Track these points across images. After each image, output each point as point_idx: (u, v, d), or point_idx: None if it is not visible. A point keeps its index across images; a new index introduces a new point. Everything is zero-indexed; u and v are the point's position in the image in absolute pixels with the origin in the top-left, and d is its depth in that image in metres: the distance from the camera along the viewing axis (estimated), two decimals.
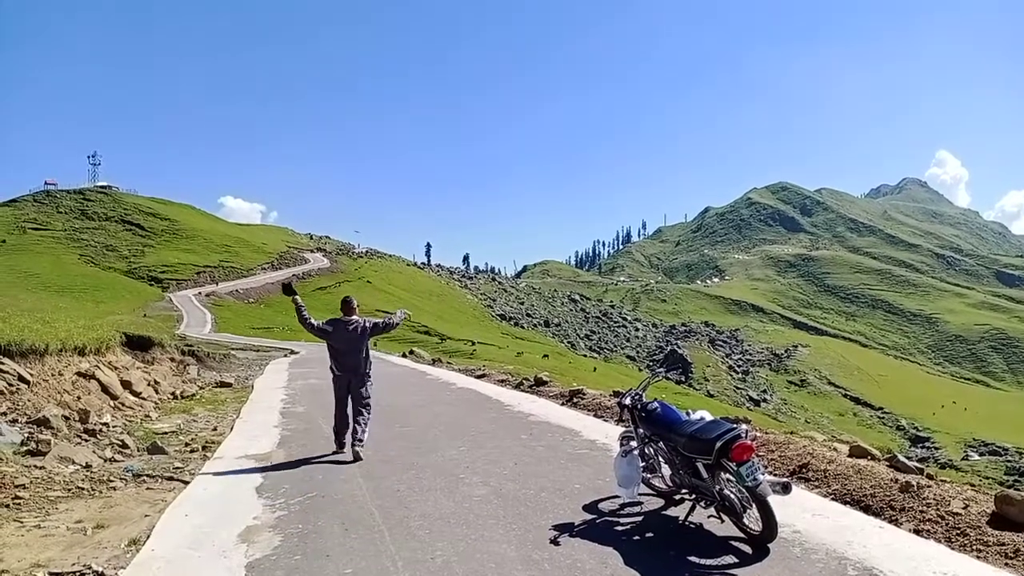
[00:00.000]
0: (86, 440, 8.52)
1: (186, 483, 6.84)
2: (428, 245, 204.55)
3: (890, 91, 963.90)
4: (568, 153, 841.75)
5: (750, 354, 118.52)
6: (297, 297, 8.11)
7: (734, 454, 4.51)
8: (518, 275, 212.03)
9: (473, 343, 62.18)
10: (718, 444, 4.62)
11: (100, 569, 4.50)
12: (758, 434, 8.19)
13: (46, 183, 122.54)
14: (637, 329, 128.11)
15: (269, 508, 5.82)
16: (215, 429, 10.47)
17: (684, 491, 5.27)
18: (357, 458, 7.70)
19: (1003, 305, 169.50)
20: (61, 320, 14.20)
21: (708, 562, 4.39)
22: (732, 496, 4.69)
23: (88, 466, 7.32)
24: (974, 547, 4.52)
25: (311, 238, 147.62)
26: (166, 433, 10.03)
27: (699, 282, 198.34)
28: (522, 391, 14.49)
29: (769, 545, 4.52)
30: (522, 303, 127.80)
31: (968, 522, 4.86)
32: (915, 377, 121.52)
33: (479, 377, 18.52)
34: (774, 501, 4.50)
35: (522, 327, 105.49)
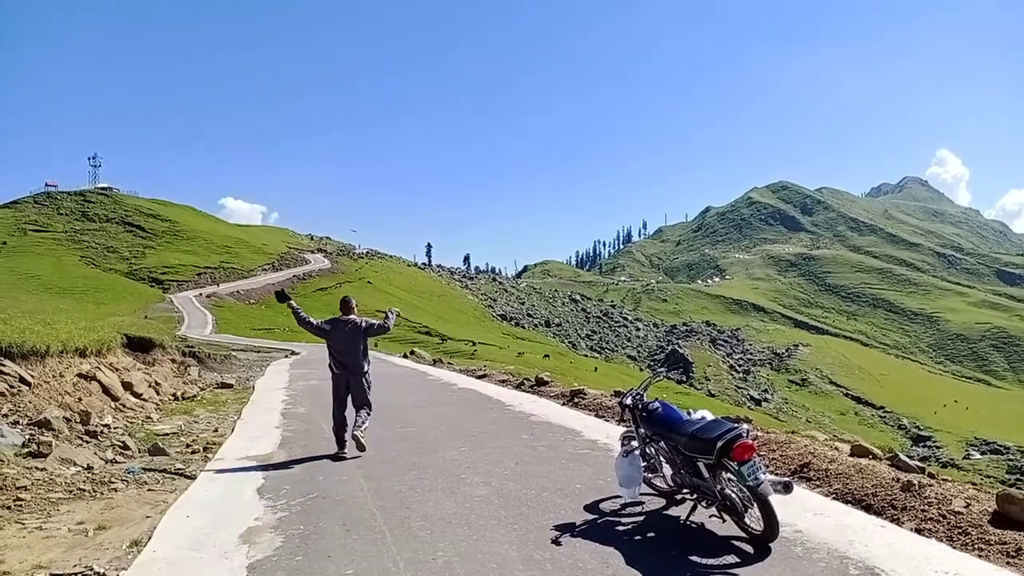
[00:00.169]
0: (87, 442, 8.52)
1: (188, 483, 6.84)
2: (429, 245, 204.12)
3: (890, 90, 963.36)
4: (568, 153, 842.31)
5: (751, 353, 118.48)
6: (291, 301, 8.26)
7: (735, 454, 4.51)
8: (519, 275, 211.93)
9: (474, 343, 62.18)
10: (719, 444, 4.61)
11: (102, 570, 4.50)
12: (759, 433, 8.19)
13: (47, 185, 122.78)
14: (638, 329, 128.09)
15: (270, 509, 5.82)
16: (216, 430, 10.48)
17: (685, 491, 5.27)
18: (359, 445, 7.85)
19: (1004, 304, 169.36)
20: (62, 322, 14.20)
21: (710, 562, 4.39)
22: (733, 496, 4.69)
23: (89, 468, 7.32)
24: (976, 546, 4.52)
25: (312, 239, 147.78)
26: (167, 434, 10.03)
27: (700, 282, 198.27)
28: (523, 391, 14.49)
29: (771, 544, 4.51)
30: (523, 303, 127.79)
31: (970, 521, 4.86)
32: (916, 376, 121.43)
33: (480, 377, 18.52)
34: (775, 500, 4.50)
35: (523, 327, 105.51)
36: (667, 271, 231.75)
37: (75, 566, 4.58)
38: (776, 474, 6.52)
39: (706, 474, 4.84)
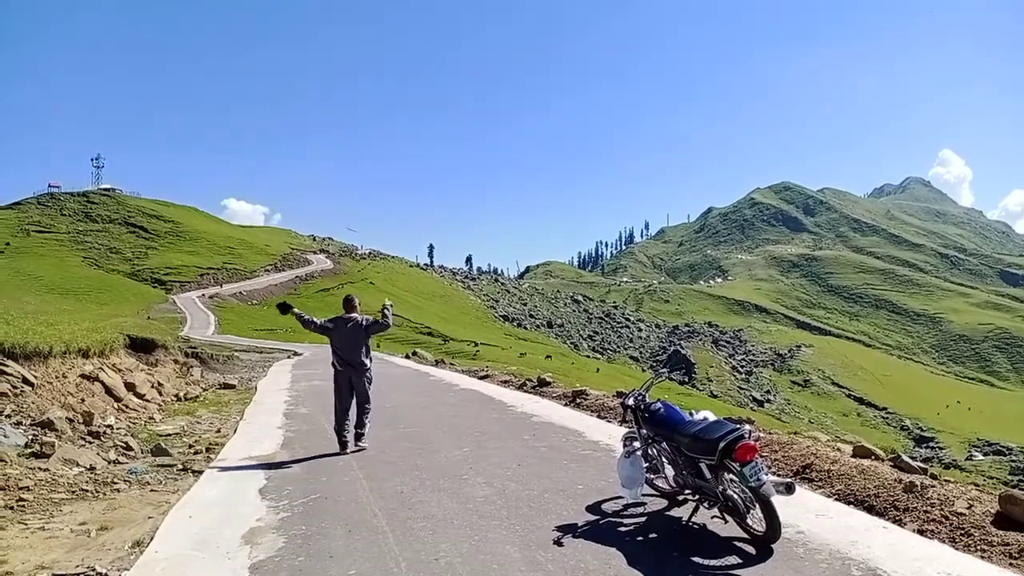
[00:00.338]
0: (90, 442, 8.54)
1: (191, 484, 6.85)
2: (431, 246, 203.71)
3: (893, 90, 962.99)
4: (570, 153, 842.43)
5: (753, 354, 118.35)
6: (294, 309, 8.53)
7: (737, 454, 4.50)
8: (521, 276, 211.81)
9: (476, 344, 62.20)
10: (721, 444, 4.61)
11: (104, 571, 4.51)
12: (761, 434, 8.18)
13: (50, 186, 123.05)
14: (640, 330, 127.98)
15: (273, 510, 5.83)
16: (219, 431, 10.50)
17: (687, 492, 5.26)
18: (358, 447, 8.17)
19: (1007, 304, 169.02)
20: (65, 322, 14.23)
21: (712, 563, 4.38)
22: (735, 496, 4.68)
23: (92, 468, 7.34)
24: (978, 547, 4.51)
25: (314, 240, 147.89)
26: (170, 435, 10.05)
27: (702, 282, 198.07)
28: (525, 392, 14.49)
29: (773, 545, 4.51)
30: (525, 304, 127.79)
31: (972, 522, 4.84)
32: (919, 377, 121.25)
33: (482, 378, 18.52)
34: (777, 501, 4.49)
35: (525, 328, 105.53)
36: (669, 272, 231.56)
37: (77, 566, 4.59)
38: (778, 475, 6.51)
39: (708, 475, 4.84)
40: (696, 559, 4.44)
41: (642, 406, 5.70)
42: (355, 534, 5.10)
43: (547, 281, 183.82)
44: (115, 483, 6.89)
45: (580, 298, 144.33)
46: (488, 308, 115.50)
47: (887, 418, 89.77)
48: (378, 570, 4.40)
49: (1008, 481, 45.69)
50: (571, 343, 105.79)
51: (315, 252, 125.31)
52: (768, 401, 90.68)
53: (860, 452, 7.17)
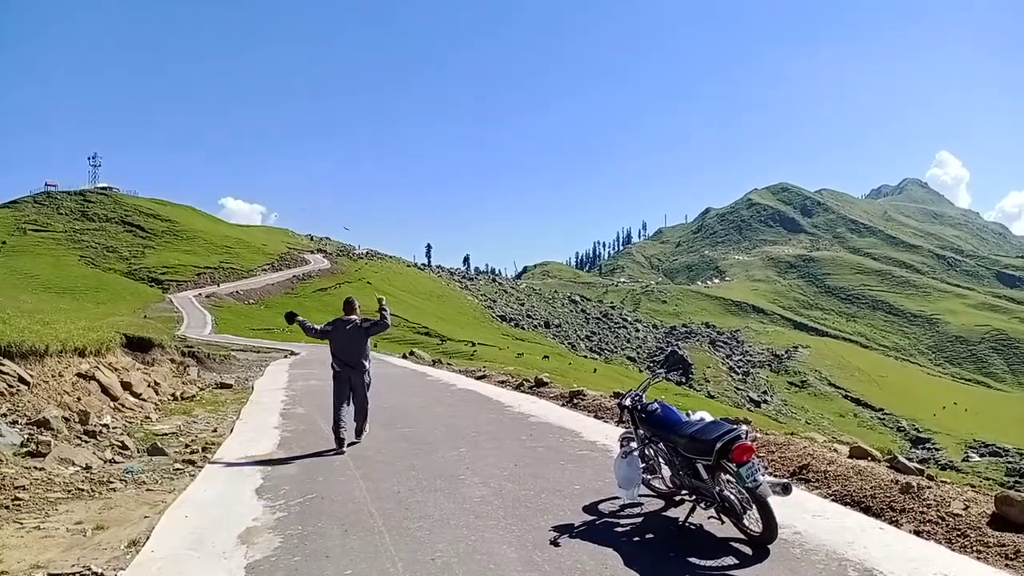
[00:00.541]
0: (86, 441, 8.52)
1: (187, 483, 6.84)
2: (428, 246, 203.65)
3: (891, 92, 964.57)
4: (568, 153, 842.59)
5: (750, 355, 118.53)
6: (299, 318, 8.67)
7: (734, 455, 4.51)
8: (518, 276, 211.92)
9: (473, 344, 62.16)
10: (718, 445, 4.62)
11: (100, 570, 4.50)
12: (758, 435, 8.19)
13: (46, 184, 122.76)
14: (637, 330, 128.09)
15: (269, 509, 5.82)
16: (215, 430, 10.47)
17: (684, 492, 5.27)
18: (356, 441, 8.50)
19: (1004, 306, 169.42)
20: (61, 321, 14.20)
21: (708, 563, 4.39)
22: (732, 497, 4.69)
23: (88, 467, 7.32)
24: (974, 548, 4.52)
25: (311, 239, 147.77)
26: (166, 434, 10.03)
27: (699, 283, 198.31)
28: (522, 392, 14.49)
29: (769, 546, 4.52)
30: (522, 304, 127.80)
31: (968, 523, 4.86)
32: (916, 378, 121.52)
33: (479, 378, 18.52)
34: (774, 502, 4.50)
35: (522, 328, 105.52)
36: (667, 272, 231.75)
37: (73, 566, 4.57)
38: (775, 476, 6.52)
39: (705, 475, 4.85)
40: (693, 560, 4.45)
41: (639, 406, 5.71)
42: (351, 534, 5.09)
43: (544, 281, 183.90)
44: (111, 482, 6.87)
45: (577, 298, 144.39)
46: (485, 308, 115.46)
47: (884, 419, 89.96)
48: (374, 570, 4.39)
49: (1004, 482, 45.85)
50: (568, 343, 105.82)
51: (312, 252, 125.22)
52: (765, 402, 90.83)
53: (857, 453, 7.18)
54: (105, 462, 7.81)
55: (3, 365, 9.18)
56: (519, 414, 11.05)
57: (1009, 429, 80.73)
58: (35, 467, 6.87)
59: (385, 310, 8.73)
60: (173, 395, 14.49)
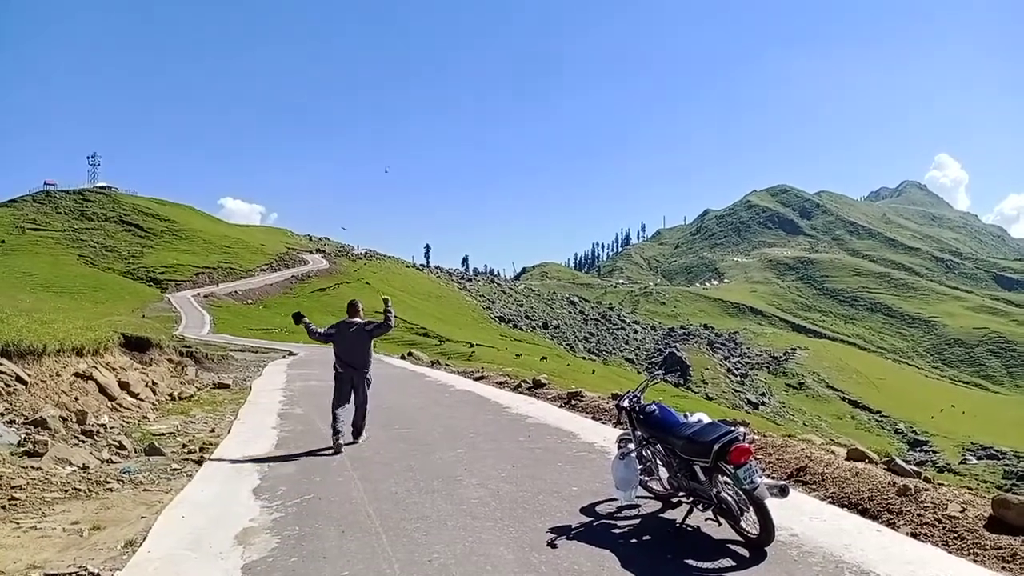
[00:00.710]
0: (83, 441, 8.51)
1: (184, 484, 6.83)
2: (427, 247, 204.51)
3: (890, 94, 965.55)
4: (567, 155, 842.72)
5: (749, 357, 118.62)
6: (305, 319, 8.83)
7: (732, 457, 4.51)
8: (517, 277, 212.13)
9: (472, 345, 62.21)
10: (716, 447, 4.62)
11: (96, 570, 4.49)
12: (756, 437, 8.20)
13: (45, 183, 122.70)
14: (636, 331, 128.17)
15: (266, 510, 5.81)
16: (213, 431, 10.46)
17: (682, 494, 5.27)
18: (354, 441, 8.60)
19: (1002, 309, 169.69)
20: (59, 321, 14.17)
21: (705, 565, 4.39)
22: (729, 499, 4.69)
23: (85, 467, 7.31)
24: (971, 551, 4.52)
25: (310, 239, 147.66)
26: (163, 434, 10.01)
27: (698, 285, 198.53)
28: (520, 393, 14.49)
29: (766, 548, 4.52)
30: (521, 305, 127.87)
31: (965, 526, 4.86)
32: (913, 380, 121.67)
33: (477, 379, 18.51)
34: (771, 504, 4.50)
35: (521, 329, 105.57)
36: (665, 274, 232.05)
37: (69, 566, 4.56)
38: (772, 478, 6.51)
39: (702, 477, 4.85)
40: (690, 561, 4.45)
41: (637, 408, 5.71)
42: (349, 535, 5.09)
43: (543, 282, 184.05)
44: (108, 482, 6.86)
45: (576, 300, 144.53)
46: (484, 309, 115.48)
47: (881, 421, 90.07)
48: (371, 571, 4.39)
49: (1001, 485, 45.81)
50: (567, 345, 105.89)
51: (311, 252, 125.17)
52: (763, 404, 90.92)
53: (854, 455, 7.18)
54: (102, 462, 7.80)
55: (1, 364, 9.16)
56: (517, 415, 11.04)
57: (1006, 432, 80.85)
58: (32, 467, 6.86)
59: (390, 311, 8.93)
60: (171, 395, 14.47)
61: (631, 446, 5.77)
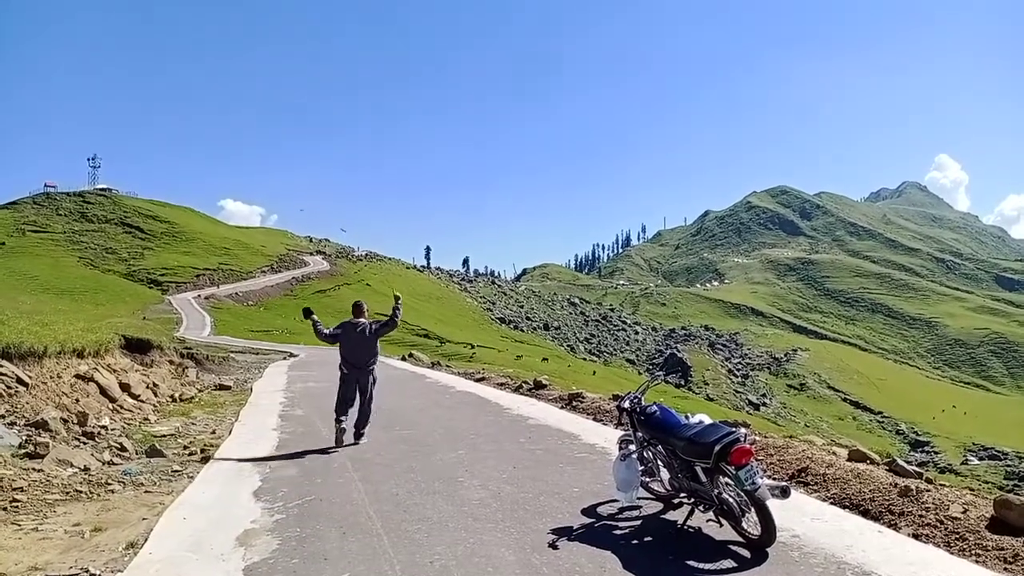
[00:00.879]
0: (84, 443, 8.51)
1: (185, 485, 6.83)
2: (428, 248, 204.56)
3: (890, 95, 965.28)
4: (568, 156, 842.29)
5: (749, 358, 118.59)
6: (314, 316, 8.95)
7: (733, 458, 4.51)
8: (518, 278, 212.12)
9: (472, 346, 62.21)
10: (717, 448, 4.62)
11: (97, 572, 4.49)
12: (757, 438, 8.20)
13: (46, 185, 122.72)
14: (637, 332, 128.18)
15: (267, 512, 5.81)
16: (214, 432, 10.47)
17: (683, 495, 5.27)
18: (356, 442, 8.66)
19: (1003, 309, 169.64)
20: (60, 322, 14.17)
21: (707, 566, 4.39)
22: (731, 500, 4.69)
23: (86, 469, 7.31)
24: (973, 552, 4.52)
25: (311, 241, 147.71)
26: (164, 436, 10.02)
27: (699, 285, 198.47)
28: (521, 394, 14.47)
29: (768, 549, 4.51)
30: (521, 306, 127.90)
31: (967, 527, 4.86)
32: (915, 381, 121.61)
33: (478, 380, 18.50)
34: (773, 505, 4.50)
35: (521, 330, 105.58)
36: (666, 275, 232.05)
37: (71, 568, 4.56)
38: (774, 479, 6.50)
39: (703, 478, 4.84)
40: (691, 562, 4.45)
41: (638, 409, 5.70)
42: (350, 536, 5.09)
43: (544, 283, 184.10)
44: (109, 484, 6.87)
45: (577, 301, 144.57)
46: (485, 310, 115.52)
47: (883, 422, 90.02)
48: (372, 573, 4.39)
49: (1003, 486, 45.74)
50: (568, 346, 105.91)
51: (311, 253, 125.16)
52: (764, 404, 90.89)
53: (855, 456, 7.17)
54: (103, 464, 7.81)
55: (2, 366, 9.17)
56: (518, 416, 11.04)
57: (1008, 432, 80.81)
58: (33, 468, 6.86)
59: (398, 308, 9.12)
60: (172, 397, 14.47)
61: (632, 447, 5.77)
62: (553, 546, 4.75)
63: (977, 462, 68.61)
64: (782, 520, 4.69)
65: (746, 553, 4.55)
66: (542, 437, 9.10)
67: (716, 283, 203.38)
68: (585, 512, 5.60)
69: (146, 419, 11.35)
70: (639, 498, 5.60)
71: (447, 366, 26.92)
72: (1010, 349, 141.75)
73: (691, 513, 5.08)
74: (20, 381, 9.20)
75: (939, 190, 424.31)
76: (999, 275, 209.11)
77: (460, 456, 7.92)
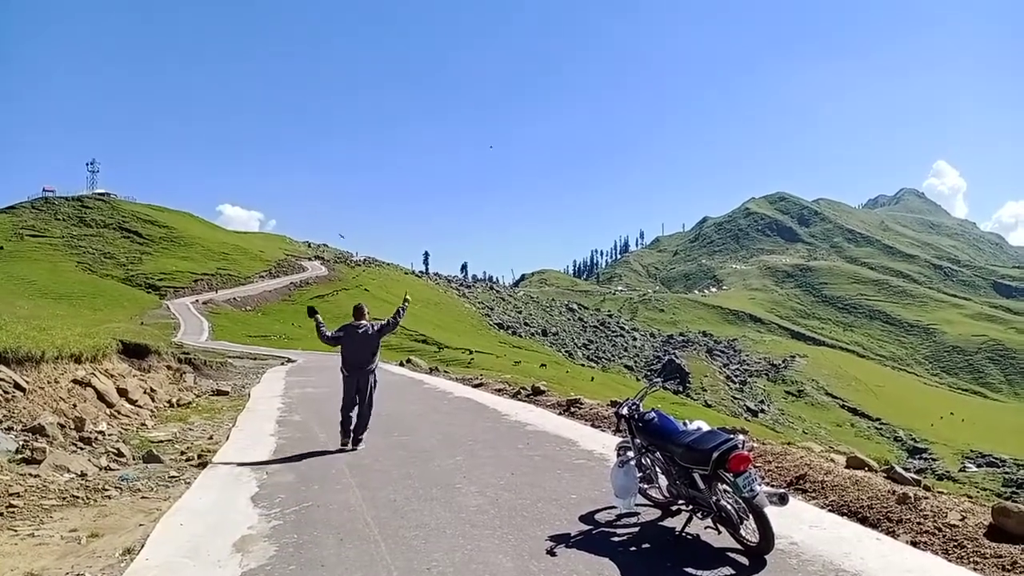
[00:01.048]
0: (81, 448, 8.50)
1: (182, 491, 6.81)
2: (426, 253, 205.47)
3: (888, 101, 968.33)
4: (566, 162, 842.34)
5: (748, 364, 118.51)
6: (318, 316, 9.18)
7: (731, 465, 4.51)
8: (516, 284, 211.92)
9: (470, 352, 62.17)
10: (715, 455, 4.62)
11: None
12: (755, 444, 8.19)
13: (44, 190, 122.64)
14: (635, 339, 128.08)
15: (264, 518, 5.80)
16: (211, 438, 10.45)
17: (681, 502, 5.27)
18: (353, 448, 8.74)
19: (1000, 316, 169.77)
20: (58, 327, 14.15)
21: (705, 573, 4.38)
22: (729, 507, 4.69)
23: (83, 474, 7.29)
24: (971, 559, 4.52)
25: (309, 246, 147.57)
26: (162, 441, 10.00)
27: (697, 292, 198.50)
28: (519, 400, 14.46)
29: (766, 556, 4.51)
30: (520, 312, 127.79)
31: (965, 534, 4.86)
32: (913, 388, 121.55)
33: (476, 386, 18.48)
34: (771, 512, 4.50)
35: (520, 336, 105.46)
36: (664, 281, 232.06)
37: (67, 574, 4.56)
38: (772, 486, 6.51)
39: (702, 485, 4.84)
40: (689, 570, 4.44)
41: (636, 415, 5.71)
42: (347, 543, 5.08)
43: (542, 289, 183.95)
44: (106, 490, 6.85)
45: (575, 306, 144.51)
46: (483, 316, 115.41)
47: (880, 429, 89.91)
48: None
49: (1001, 493, 45.76)
50: (566, 352, 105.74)
51: (310, 259, 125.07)
52: (762, 411, 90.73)
53: (854, 463, 7.18)
54: (100, 469, 7.79)
55: None
56: (516, 422, 11.03)
57: (1006, 439, 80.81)
58: (30, 474, 6.84)
59: (402, 310, 9.37)
60: (169, 402, 14.45)
61: (630, 454, 5.77)
62: (551, 553, 4.74)
63: (975, 469, 68.54)
64: (780, 527, 4.69)
65: (744, 560, 4.55)
66: (540, 443, 9.09)
67: (714, 289, 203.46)
68: (583, 519, 5.59)
69: (143, 424, 11.33)
70: (637, 505, 5.60)
71: (445, 372, 26.88)
72: (1008, 356, 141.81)
73: (689, 520, 5.08)
74: (17, 386, 9.19)
75: (937, 197, 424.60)
76: (997, 282, 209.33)
77: (458, 462, 7.91)
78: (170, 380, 17.44)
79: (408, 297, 9.66)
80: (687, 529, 5.06)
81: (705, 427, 5.21)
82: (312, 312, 9.38)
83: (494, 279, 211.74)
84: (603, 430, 10.15)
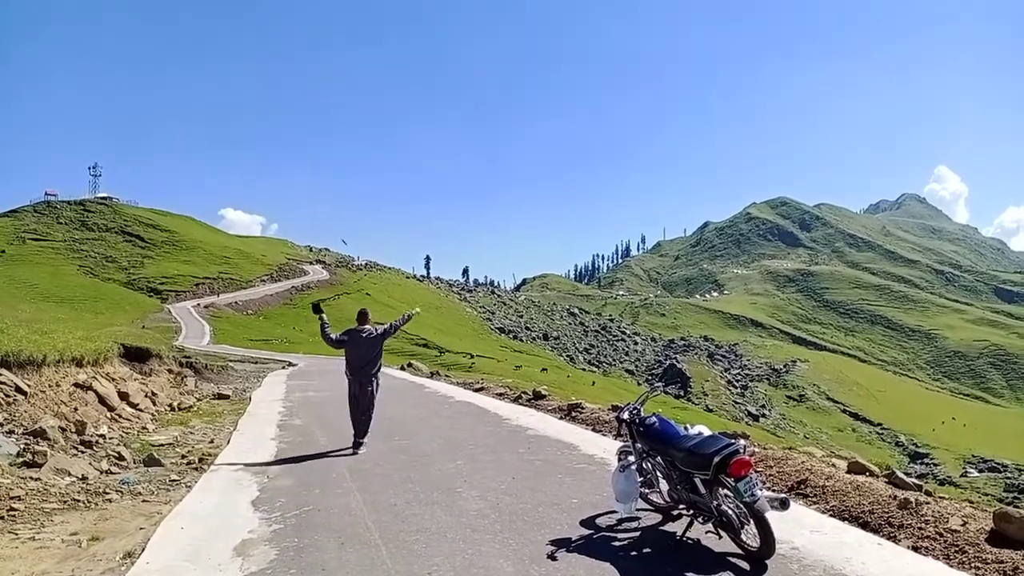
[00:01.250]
0: (83, 452, 8.50)
1: (183, 495, 6.81)
2: (427, 258, 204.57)
3: (890, 106, 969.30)
4: (568, 166, 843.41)
5: (749, 369, 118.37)
6: (323, 315, 9.25)
7: (732, 469, 4.50)
8: (517, 288, 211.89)
9: (471, 356, 62.11)
10: (716, 459, 4.61)
11: None
12: (756, 449, 8.18)
13: (46, 194, 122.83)
14: (636, 343, 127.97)
15: (265, 521, 5.80)
16: (212, 441, 10.45)
17: (682, 506, 5.26)
18: (357, 450, 8.80)
19: (1002, 321, 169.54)
20: (59, 331, 14.17)
21: None
22: (730, 512, 4.68)
23: (84, 478, 7.29)
24: (972, 565, 4.50)
25: (311, 250, 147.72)
26: (163, 445, 10.00)
27: (698, 296, 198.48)
28: (520, 405, 14.45)
29: (767, 561, 4.50)
30: (521, 316, 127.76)
31: (966, 539, 4.84)
32: (914, 393, 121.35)
33: (477, 390, 18.47)
34: (772, 517, 4.49)
35: (521, 340, 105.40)
36: (665, 285, 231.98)
37: None
38: (773, 490, 6.49)
39: (703, 490, 4.83)
40: (690, 574, 4.44)
41: (637, 420, 5.70)
42: (348, 547, 5.07)
43: (543, 294, 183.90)
44: (107, 493, 6.85)
45: (576, 311, 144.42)
46: (484, 320, 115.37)
47: (882, 434, 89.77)
48: None
49: (1003, 498, 45.63)
50: (567, 356, 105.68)
51: (311, 263, 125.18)
52: (763, 416, 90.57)
53: (855, 468, 7.16)
54: (101, 472, 7.79)
55: (0, 375, 9.16)
56: (517, 427, 11.02)
57: (1007, 445, 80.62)
58: (31, 477, 6.85)
59: (408, 317, 9.68)
60: (170, 405, 14.45)
61: (631, 458, 5.76)
62: (552, 557, 4.74)
63: (976, 474, 68.38)
64: (781, 532, 4.68)
65: (745, 565, 4.54)
66: (541, 448, 9.08)
67: (715, 294, 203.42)
68: (584, 523, 5.59)
69: (144, 428, 11.33)
70: (638, 509, 5.59)
71: (446, 376, 26.86)
72: (1009, 361, 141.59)
73: (690, 525, 5.07)
74: (19, 389, 9.20)
75: (938, 202, 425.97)
76: (998, 287, 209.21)
77: (459, 466, 7.90)
78: (171, 384, 17.45)
79: (419, 310, 9.77)
80: (688, 534, 5.05)
81: (706, 432, 5.20)
82: (317, 308, 9.46)
83: (495, 283, 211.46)
84: (604, 434, 10.13)
